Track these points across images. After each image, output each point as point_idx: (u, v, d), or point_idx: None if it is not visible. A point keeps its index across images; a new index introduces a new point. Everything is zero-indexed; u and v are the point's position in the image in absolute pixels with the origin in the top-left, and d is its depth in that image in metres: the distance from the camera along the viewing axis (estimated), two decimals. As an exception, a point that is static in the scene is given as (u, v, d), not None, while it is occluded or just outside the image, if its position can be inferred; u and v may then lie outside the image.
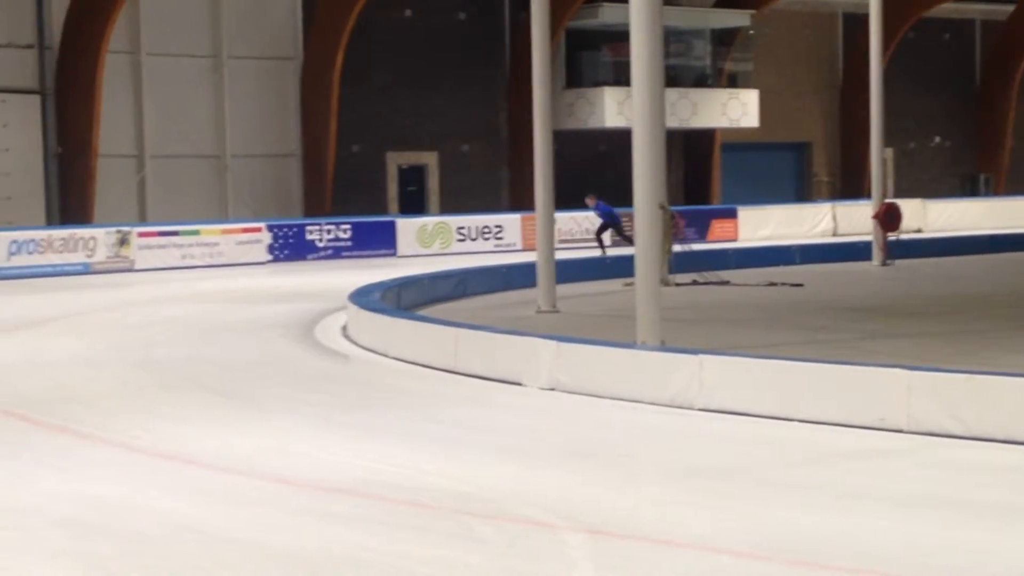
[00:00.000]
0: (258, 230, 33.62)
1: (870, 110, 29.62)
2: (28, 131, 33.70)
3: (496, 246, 36.08)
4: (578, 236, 35.86)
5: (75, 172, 33.82)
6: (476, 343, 15.10)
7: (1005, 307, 20.94)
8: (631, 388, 13.06)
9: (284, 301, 23.15)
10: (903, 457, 10.64)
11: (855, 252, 30.64)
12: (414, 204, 39.46)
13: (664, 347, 13.93)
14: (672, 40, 39.11)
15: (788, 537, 8.11)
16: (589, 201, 32.58)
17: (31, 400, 13.29)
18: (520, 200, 38.69)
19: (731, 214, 40.90)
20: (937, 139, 48.36)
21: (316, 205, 37.27)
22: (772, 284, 24.40)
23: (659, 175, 14.65)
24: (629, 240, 28.48)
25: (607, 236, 32.87)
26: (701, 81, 42.85)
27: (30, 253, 29.64)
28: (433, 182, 40.17)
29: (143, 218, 34.93)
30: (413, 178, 39.86)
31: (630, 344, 14.19)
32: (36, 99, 33.73)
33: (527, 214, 34.97)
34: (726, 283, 24.67)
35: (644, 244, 14.62)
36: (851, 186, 45.55)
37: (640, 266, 14.62)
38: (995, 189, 47.85)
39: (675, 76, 40.03)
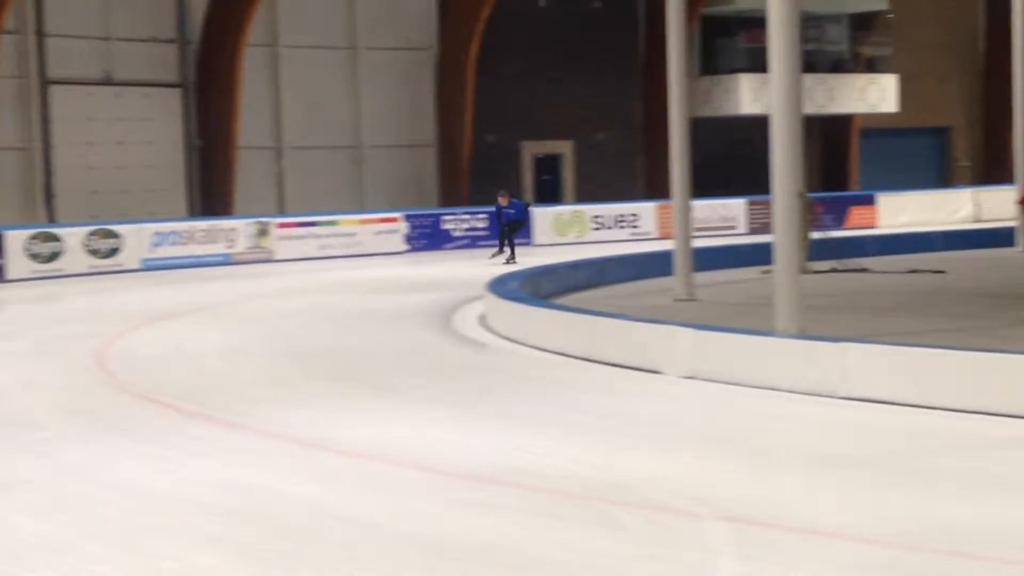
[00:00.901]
0: (395, 220, 33.88)
1: (1013, 92, 29.12)
2: (169, 125, 34.27)
3: (632, 235, 36.04)
4: (715, 224, 35.73)
5: (215, 164, 34.34)
6: (614, 331, 15.10)
7: None
8: (770, 376, 12.98)
9: (422, 290, 23.32)
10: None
11: (998, 238, 30.13)
12: (549, 193, 39.53)
13: (804, 335, 13.83)
14: (809, 25, 38.73)
15: (936, 527, 8.01)
16: (502, 200, 29.29)
17: (177, 389, 13.51)
18: (655, 188, 38.60)
19: (870, 201, 40.44)
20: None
21: (452, 195, 37.47)
22: (913, 271, 24.07)
23: (797, 162, 14.55)
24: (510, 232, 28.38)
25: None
26: (838, 66, 42.42)
27: (172, 245, 30.15)
28: (568, 171, 40.19)
29: (282, 209, 35.37)
30: (548, 167, 39.91)
31: (769, 332, 14.11)
32: (177, 93, 34.27)
33: (663, 202, 34.89)
34: (865, 270, 24.39)
35: (783, 231, 14.52)
36: (993, 171, 44.82)
37: (779, 253, 14.52)
38: None
39: (812, 62, 39.66)
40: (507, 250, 28.92)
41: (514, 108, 38.78)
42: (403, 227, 33.85)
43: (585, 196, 39.16)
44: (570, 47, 39.43)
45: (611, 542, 7.75)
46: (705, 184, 30.20)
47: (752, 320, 15.72)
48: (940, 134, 46.41)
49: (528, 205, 31.35)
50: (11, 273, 27.00)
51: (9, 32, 30.91)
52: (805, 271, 21.12)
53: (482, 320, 18.73)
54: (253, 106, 34.87)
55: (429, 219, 34.49)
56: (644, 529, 8.08)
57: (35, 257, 27.78)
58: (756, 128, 25.16)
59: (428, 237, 34.11)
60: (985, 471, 9.63)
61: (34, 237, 28.01)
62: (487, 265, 26.71)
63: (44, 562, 7.42)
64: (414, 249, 33.55)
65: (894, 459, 10.11)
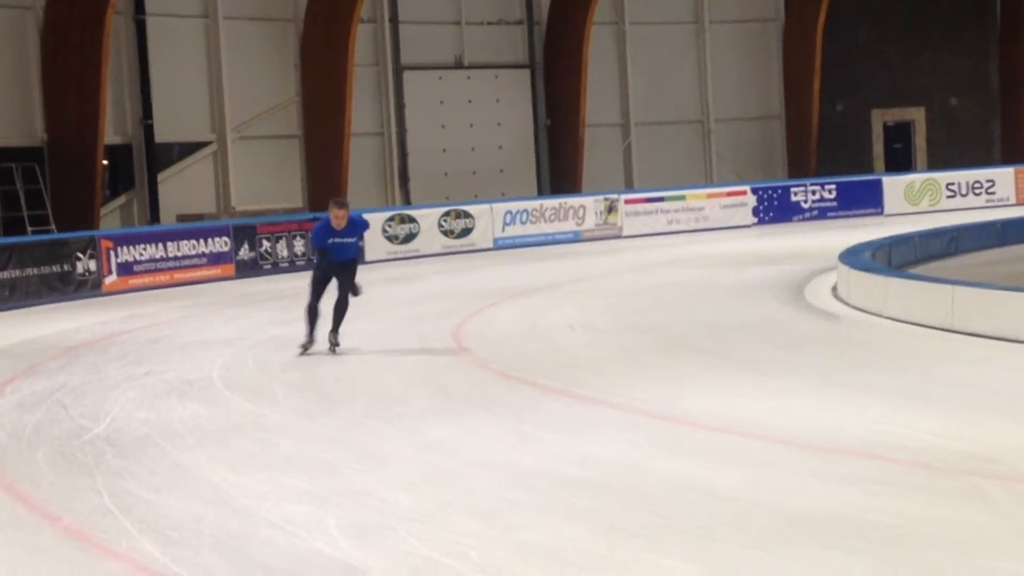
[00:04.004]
0: (743, 193, 33.72)
1: None
2: (519, 105, 34.88)
3: (988, 201, 35.01)
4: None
5: (564, 143, 34.79)
6: (974, 301, 14.71)
7: None
8: None
9: (771, 263, 23.16)
10: None
11: None
12: (900, 161, 38.72)
13: None
14: None
15: None
16: (336, 216, 15.10)
17: (533, 365, 13.76)
18: (1013, 153, 37.40)
19: None
20: None
21: (800, 166, 37.09)
22: None
23: None
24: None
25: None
26: None
27: (523, 223, 30.67)
28: (920, 139, 39.29)
29: (629, 185, 35.60)
30: (899, 135, 39.08)
31: None
32: (526, 73, 34.85)
33: (1021, 167, 33.78)
34: None
35: None
36: None
37: None
38: None
39: None
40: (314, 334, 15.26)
41: (863, 76, 38.12)
42: (751, 200, 33.66)
43: (937, 164, 38.22)
44: (921, 11, 38.50)
45: (980, 516, 7.57)
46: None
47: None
48: None
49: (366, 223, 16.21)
50: (370, 254, 27.90)
51: (366, 21, 31.93)
52: None
53: (834, 291, 18.50)
54: (600, 84, 35.20)
55: (777, 191, 34.20)
56: (1013, 502, 7.88)
57: (392, 239, 28.65)
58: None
59: (776, 210, 33.84)
60: None
61: (391, 219, 28.88)
62: (837, 236, 26.30)
63: (414, 534, 7.66)
64: (762, 222, 33.34)
65: None
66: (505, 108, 34.73)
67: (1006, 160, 37.67)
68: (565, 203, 31.65)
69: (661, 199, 32.76)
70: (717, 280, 21.21)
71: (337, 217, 15.12)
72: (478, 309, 18.96)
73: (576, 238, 30.98)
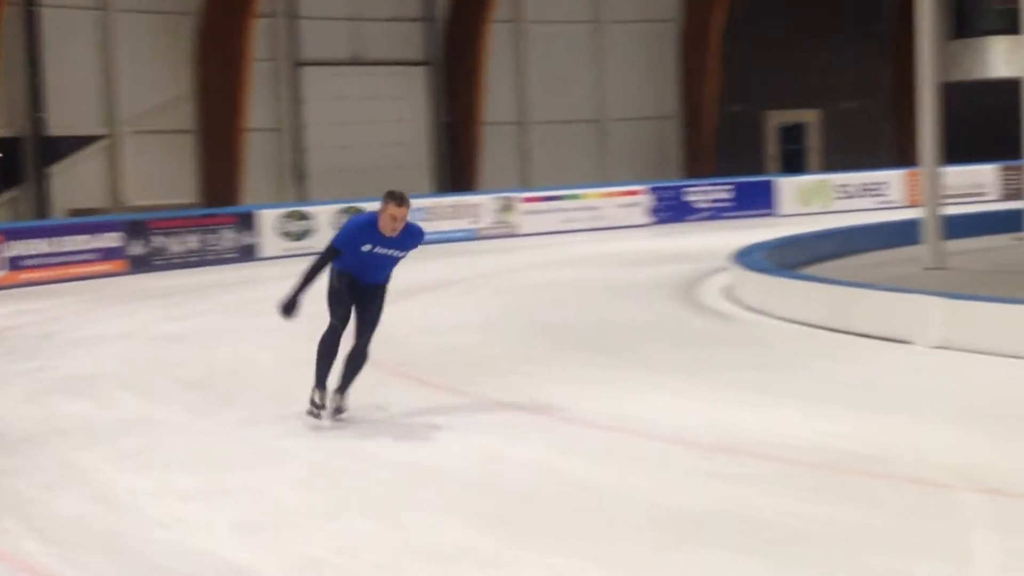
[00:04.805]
0: (639, 193, 33.89)
1: None
2: (417, 102, 34.83)
3: (879, 203, 35.43)
4: (964, 191, 34.90)
5: (461, 141, 34.80)
6: (863, 301, 14.90)
7: None
8: (1023, 345, 12.70)
9: (667, 263, 23.30)
10: None
11: None
12: (794, 163, 39.11)
13: (1060, 303, 13.47)
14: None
15: None
16: (392, 217, 10.79)
17: (428, 363, 13.75)
18: (904, 156, 37.89)
19: None
20: None
21: (695, 166, 37.35)
22: None
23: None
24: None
25: None
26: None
27: (420, 221, 30.58)
28: (814, 140, 39.71)
29: (526, 184, 35.66)
30: (793, 137, 39.49)
31: (1022, 299, 13.77)
32: (424, 71, 34.79)
33: (911, 170, 34.23)
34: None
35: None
36: None
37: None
38: None
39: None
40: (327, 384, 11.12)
41: (759, 78, 38.45)
42: (647, 200, 33.84)
43: (832, 165, 38.64)
44: (816, 14, 38.90)
45: (866, 515, 7.68)
46: (954, 150, 29.58)
47: (1004, 288, 15.36)
48: None
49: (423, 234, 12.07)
50: (265, 251, 27.73)
51: (262, 16, 31.73)
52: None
53: (727, 292, 18.66)
54: (498, 82, 35.23)
55: (673, 191, 34.41)
56: (898, 501, 8.00)
57: (287, 235, 28.50)
58: (1009, 92, 24.51)
59: (672, 209, 34.04)
60: None
61: (286, 216, 28.73)
62: (732, 236, 26.53)
63: (304, 533, 7.63)
64: (658, 222, 33.52)
65: None
66: (403, 105, 34.67)
67: (897, 163, 38.15)
68: (462, 201, 31.65)
69: (557, 198, 32.85)
70: (613, 279, 21.31)
71: (393, 218, 10.56)
72: (373, 307, 18.89)
73: (472, 236, 30.97)
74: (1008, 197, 35.00)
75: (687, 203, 34.32)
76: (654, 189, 34.15)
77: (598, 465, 9.09)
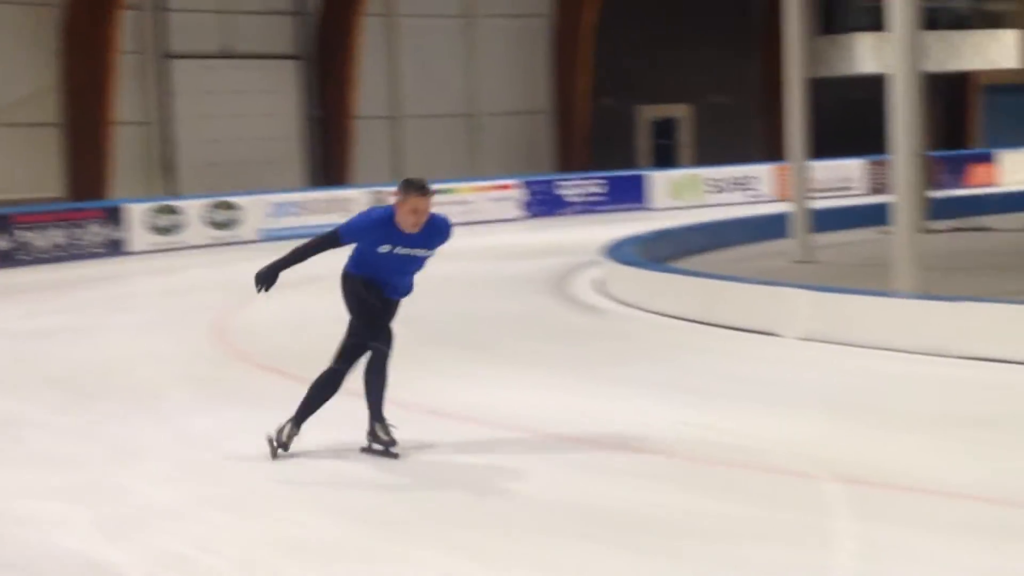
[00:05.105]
0: (511, 187, 33.93)
1: None
2: (288, 96, 34.57)
3: (748, 197, 35.79)
4: (832, 185, 35.38)
5: (333, 135, 34.61)
6: (731, 294, 15.04)
7: None
8: (889, 337, 12.87)
9: (538, 257, 23.34)
10: None
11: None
12: (666, 157, 39.39)
13: (922, 295, 13.68)
14: (927, -18, 38.16)
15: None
16: (415, 208, 9.06)
17: (297, 357, 13.62)
18: (773, 150, 38.30)
19: (990, 158, 39.81)
20: None
21: (568, 160, 37.47)
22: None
23: (916, 121, 14.38)
24: None
25: None
26: (959, 23, 41.74)
27: (291, 215, 30.41)
28: (685, 135, 40.03)
29: (399, 178, 35.46)
30: (665, 131, 39.77)
31: (888, 292, 13.98)
32: (295, 65, 34.55)
33: (780, 164, 34.62)
34: (987, 229, 24.06)
35: (901, 191, 14.38)
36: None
37: (897, 213, 14.38)
38: None
39: (932, 19, 39.06)
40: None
41: (630, 73, 38.67)
42: (519, 194, 33.89)
43: (703, 160, 38.97)
44: (687, 10, 39.20)
45: (731, 505, 7.74)
46: (823, 145, 29.97)
47: (870, 281, 15.57)
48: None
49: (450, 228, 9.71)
50: (133, 246, 27.38)
51: (129, 7, 31.29)
52: (924, 231, 20.92)
53: (598, 285, 18.73)
54: (370, 76, 35.08)
55: (545, 185, 34.49)
56: (764, 492, 8.06)
57: (156, 230, 28.16)
58: (875, 87, 24.88)
59: (544, 203, 34.11)
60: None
61: (154, 210, 28.38)
62: (603, 230, 26.64)
63: (168, 529, 7.54)
64: (530, 216, 33.58)
65: (1012, 418, 10.00)
66: (274, 99, 34.38)
67: (767, 157, 38.55)
68: (334, 195, 31.48)
69: (430, 192, 32.70)
70: (484, 273, 21.30)
71: (415, 211, 8.88)
72: (243, 302, 18.72)
73: (345, 231, 30.73)
74: (875, 191, 35.51)
75: (559, 197, 34.42)
76: (526, 183, 34.21)
77: (466, 459, 9.07)
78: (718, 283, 15.51)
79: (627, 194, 34.96)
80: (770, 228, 23.60)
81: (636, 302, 16.62)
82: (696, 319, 15.08)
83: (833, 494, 7.93)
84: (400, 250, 8.91)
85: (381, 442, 9.01)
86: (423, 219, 8.86)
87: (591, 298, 17.85)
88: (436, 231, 9.02)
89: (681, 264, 19.89)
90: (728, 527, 7.33)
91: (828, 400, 10.84)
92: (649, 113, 39.62)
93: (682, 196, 35.36)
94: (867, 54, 38.81)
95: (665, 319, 15.53)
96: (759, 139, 40.37)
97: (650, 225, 25.38)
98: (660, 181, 35.56)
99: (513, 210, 33.63)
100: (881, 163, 35.15)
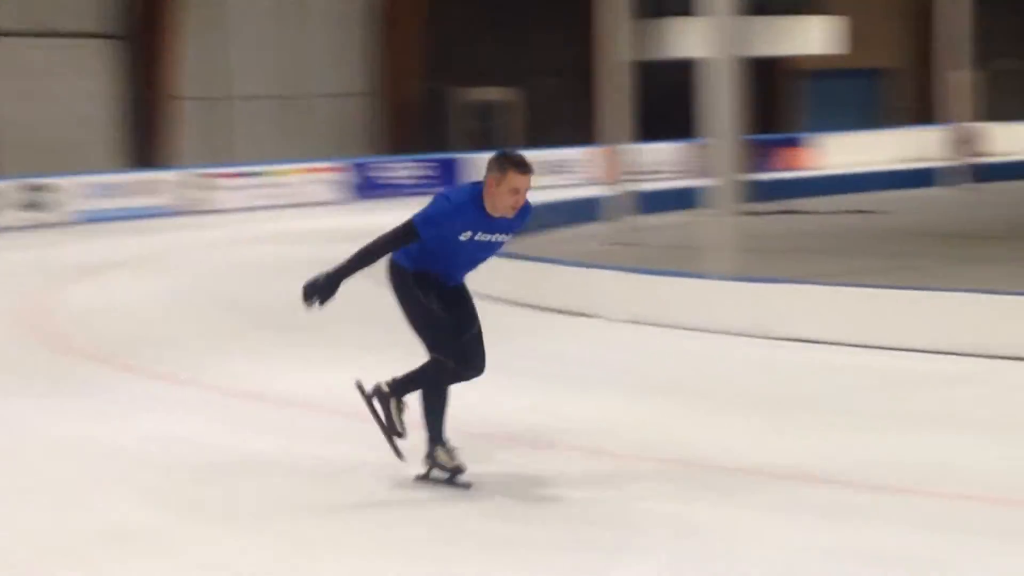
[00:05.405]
0: (336, 169, 33.75)
1: (950, 32, 29.25)
2: (107, 76, 33.99)
3: (571, 180, 35.98)
4: (653, 168, 35.78)
5: (154, 115, 34.10)
6: (550, 276, 15.13)
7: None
8: (706, 318, 13.05)
9: (361, 239, 23.13)
10: (986, 381, 10.64)
11: (931, 178, 30.35)
12: (491, 140, 39.46)
13: (738, 276, 13.89)
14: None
15: (880, 463, 8.09)
16: (516, 188, 7.73)
17: (114, 342, 13.46)
18: (596, 134, 38.57)
19: (804, 142, 40.60)
20: (1016, 61, 47.53)
21: (394, 143, 37.38)
22: (847, 212, 24.21)
23: (733, 105, 14.57)
24: None
25: None
26: (776, 8, 42.40)
27: (109, 197, 29.91)
28: (510, 117, 40.14)
29: (219, 160, 35.15)
30: (490, 114, 39.85)
31: (704, 274, 14.16)
32: (116, 44, 33.96)
33: (602, 147, 34.87)
34: (805, 212, 24.51)
35: (717, 174, 14.58)
36: (930, 111, 44.95)
37: (713, 196, 14.58)
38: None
39: (748, 3, 39.62)
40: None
41: (456, 55, 38.65)
42: (344, 176, 33.74)
43: (527, 142, 39.08)
44: (514, -7, 39.30)
45: (550, 487, 7.78)
46: (644, 128, 30.24)
47: (688, 263, 15.72)
48: (877, 75, 46.54)
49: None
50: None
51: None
52: (741, 213, 21.23)
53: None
54: (194, 57, 34.61)
55: (371, 168, 34.39)
56: (582, 472, 8.12)
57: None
58: (694, 71, 25.21)
59: (369, 186, 34.01)
60: (920, 408, 9.76)
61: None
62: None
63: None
64: (355, 198, 33.43)
65: (830, 398, 10.22)
66: (94, 79, 33.75)
67: (591, 140, 38.75)
68: (154, 177, 31.05)
69: (253, 174, 32.47)
70: (306, 256, 21.04)
71: (515, 192, 7.62)
72: (60, 285, 18.41)
73: (165, 212, 30.35)
74: (693, 174, 35.95)
75: (384, 179, 34.33)
76: (352, 165, 34.07)
77: (285, 443, 9.03)
78: (538, 265, 15.57)
79: (448, 177, 34.97)
80: (591, 211, 23.77)
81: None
82: (516, 301, 15.11)
83: (653, 474, 8.03)
84: (481, 236, 7.59)
85: (445, 469, 7.78)
86: (523, 200, 7.58)
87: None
88: (521, 211, 7.68)
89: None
90: (545, 508, 7.37)
91: (646, 381, 10.98)
92: (475, 95, 39.65)
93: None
94: (687, 38, 39.22)
95: (487, 302, 15.47)
96: (583, 122, 40.61)
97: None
98: (481, 164, 35.51)
99: (337, 192, 33.48)
100: (699, 146, 35.62)
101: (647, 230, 21.04)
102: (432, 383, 7.74)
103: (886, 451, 8.42)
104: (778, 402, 10.06)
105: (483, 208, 7.50)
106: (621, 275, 14.26)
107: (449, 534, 6.96)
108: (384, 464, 8.08)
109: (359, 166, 34.22)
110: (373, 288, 16.98)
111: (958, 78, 30.06)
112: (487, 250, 7.73)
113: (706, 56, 14.95)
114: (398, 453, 7.78)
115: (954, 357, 11.24)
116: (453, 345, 7.71)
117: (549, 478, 7.95)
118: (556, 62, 40.32)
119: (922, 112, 44.99)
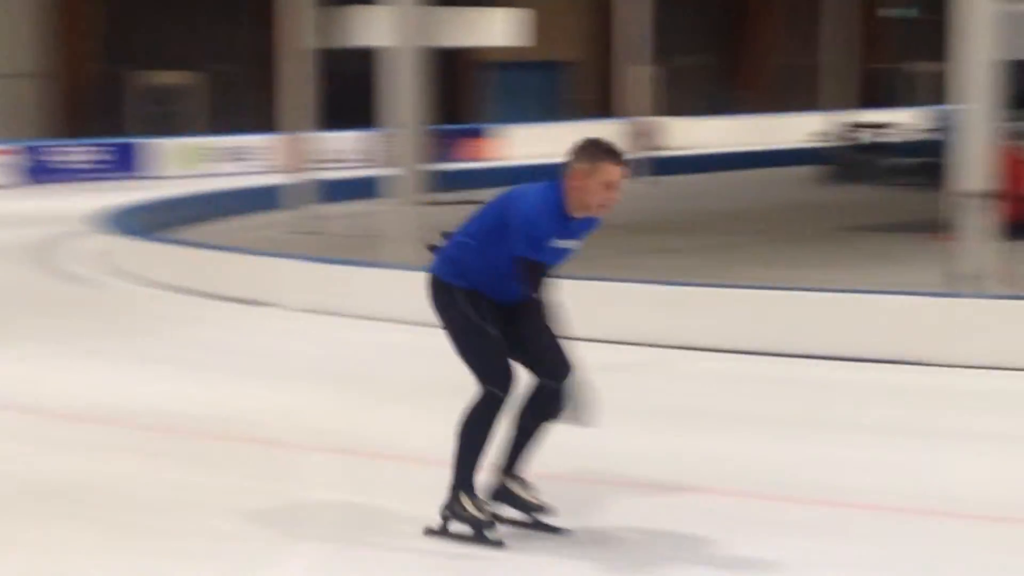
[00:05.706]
0: (3, 152, 32.61)
1: (630, 28, 29.92)
2: None
3: (252, 168, 35.52)
4: (335, 156, 35.63)
5: None
6: (229, 265, 14.90)
7: (753, 222, 21.41)
8: (382, 307, 12.98)
9: (29, 226, 22.45)
10: (657, 369, 10.93)
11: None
12: (168, 125, 38.71)
13: (419, 266, 13.86)
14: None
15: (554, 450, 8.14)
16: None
17: None
18: (278, 121, 38.25)
19: (488, 133, 41.01)
20: (694, 57, 48.94)
21: (65, 126, 36.35)
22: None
23: (416, 94, 14.58)
24: None
25: None
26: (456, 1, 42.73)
27: None
28: (188, 102, 39.46)
29: None
30: (167, 98, 39.10)
31: (384, 263, 14.12)
32: None
33: (284, 135, 34.58)
34: (479, 203, 24.66)
35: (398, 163, 14.58)
36: (609, 104, 45.93)
37: (394, 186, 14.57)
38: (754, 107, 48.50)
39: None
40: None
41: (133, 38, 37.81)
42: (16, 159, 32.63)
43: (206, 128, 38.50)
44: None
45: (218, 477, 7.63)
46: (327, 116, 30.08)
47: (368, 252, 15.70)
48: (560, 68, 47.29)
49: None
50: None
51: None
52: (424, 203, 21.28)
53: (94, 256, 18.14)
54: None
55: (44, 151, 33.35)
56: (254, 463, 8.00)
57: None
58: (378, 60, 25.21)
59: (38, 171, 32.95)
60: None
61: None
62: (103, 198, 25.94)
63: None
64: (23, 183, 32.33)
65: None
66: None
67: (272, 128, 38.40)
68: None
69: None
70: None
71: (609, 187, 6.37)
72: None
73: None
74: (375, 163, 35.93)
75: (58, 163, 33.34)
76: (24, 148, 32.98)
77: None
78: (215, 253, 15.32)
79: (126, 162, 34.23)
80: (271, 199, 23.49)
81: (133, 273, 16.19)
82: (195, 291, 14.79)
83: (324, 464, 7.98)
84: (558, 242, 6.37)
85: (478, 523, 6.48)
86: (616, 196, 6.34)
87: (85, 270, 17.27)
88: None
89: (179, 235, 19.51)
90: (211, 499, 7.20)
91: (324, 371, 10.90)
92: (151, 79, 38.83)
93: (183, 165, 34.80)
94: (372, 26, 39.17)
95: (163, 291, 15.16)
96: (264, 109, 40.21)
97: (148, 194, 24.83)
98: (161, 149, 34.92)
99: (9, 176, 32.34)
100: (382, 136, 35.68)
101: (328, 219, 20.93)
102: (482, 422, 6.47)
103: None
104: (449, 391, 9.99)
105: (563, 209, 6.32)
106: (299, 263, 14.11)
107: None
108: (53, 457, 7.78)
109: (32, 149, 33.13)
110: (42, 278, 16.51)
111: (637, 73, 30.74)
112: (559, 257, 6.44)
113: (390, 45, 14.94)
114: (498, 544, 6.40)
115: (620, 346, 11.41)
116: (501, 366, 6.44)
117: (210, 471, 7.77)
118: (239, 47, 39.76)
119: (602, 105, 45.90)
